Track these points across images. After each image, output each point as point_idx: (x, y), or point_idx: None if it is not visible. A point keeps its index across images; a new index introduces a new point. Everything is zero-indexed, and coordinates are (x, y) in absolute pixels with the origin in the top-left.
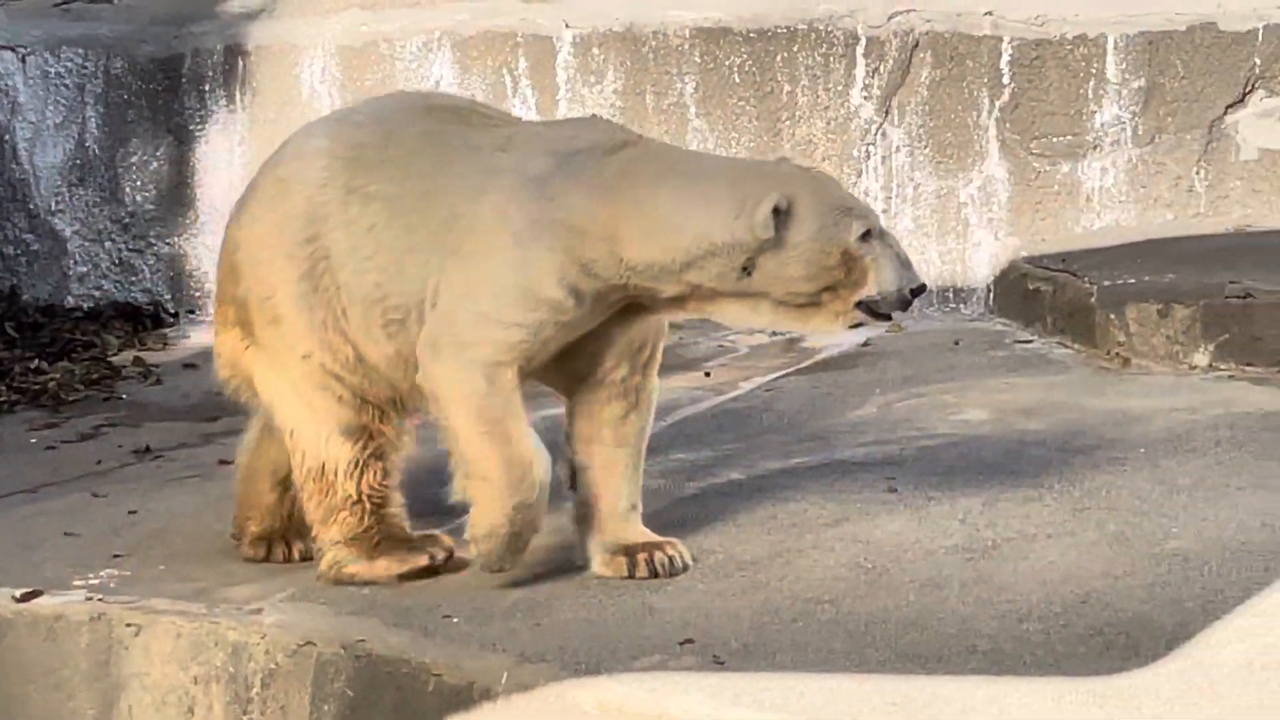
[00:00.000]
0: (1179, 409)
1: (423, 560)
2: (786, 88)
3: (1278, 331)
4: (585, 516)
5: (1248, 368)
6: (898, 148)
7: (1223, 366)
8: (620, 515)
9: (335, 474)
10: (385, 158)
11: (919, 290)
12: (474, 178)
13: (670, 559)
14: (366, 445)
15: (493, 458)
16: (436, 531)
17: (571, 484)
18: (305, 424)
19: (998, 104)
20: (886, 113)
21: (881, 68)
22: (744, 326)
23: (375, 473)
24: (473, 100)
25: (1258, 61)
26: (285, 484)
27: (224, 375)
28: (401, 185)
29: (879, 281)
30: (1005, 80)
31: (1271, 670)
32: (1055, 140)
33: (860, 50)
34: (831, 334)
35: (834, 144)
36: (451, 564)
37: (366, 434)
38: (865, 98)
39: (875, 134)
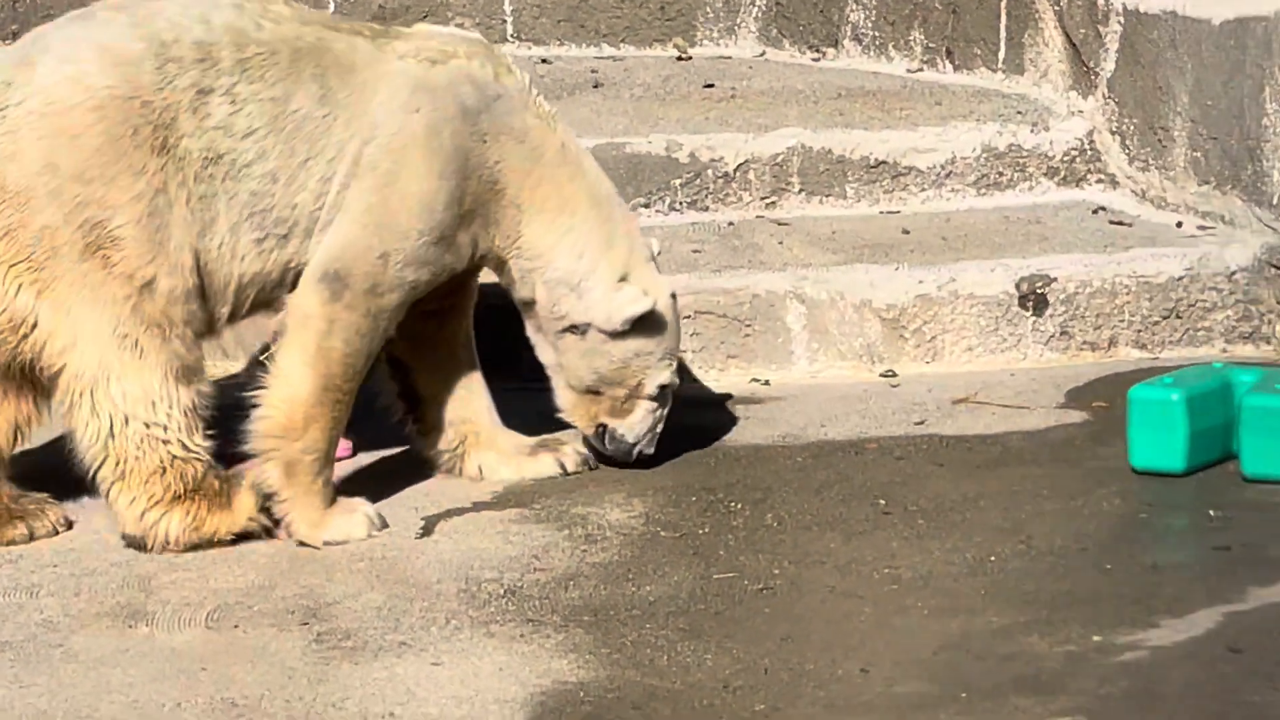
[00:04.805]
0: None
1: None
2: None
3: None
4: (463, 439)
5: None
6: None
7: None
8: (497, 423)
9: (169, 421)
10: (247, 57)
11: (646, 461)
12: (402, 92)
13: (580, 453)
14: (200, 389)
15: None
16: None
17: (408, 417)
18: (129, 368)
19: None
20: None
21: None
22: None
23: (201, 419)
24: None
25: None
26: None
27: None
28: (289, 87)
29: (630, 425)
30: None
31: None
32: None
33: None
34: (571, 424)
35: None
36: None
37: (198, 376)
38: None
39: None
